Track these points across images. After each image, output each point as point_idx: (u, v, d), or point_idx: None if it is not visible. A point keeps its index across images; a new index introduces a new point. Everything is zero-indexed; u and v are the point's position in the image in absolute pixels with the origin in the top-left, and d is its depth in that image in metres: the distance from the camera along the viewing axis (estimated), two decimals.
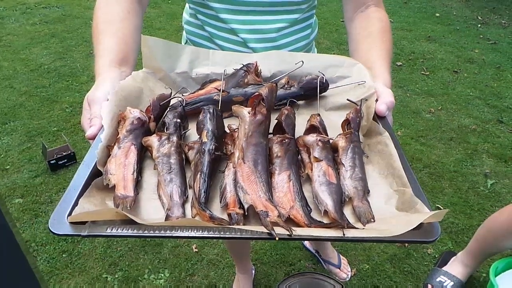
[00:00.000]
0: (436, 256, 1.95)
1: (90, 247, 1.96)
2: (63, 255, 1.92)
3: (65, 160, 2.37)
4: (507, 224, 1.53)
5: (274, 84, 0.69)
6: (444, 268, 1.82)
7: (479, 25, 4.54)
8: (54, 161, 2.34)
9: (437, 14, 4.81)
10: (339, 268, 1.90)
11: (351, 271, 1.91)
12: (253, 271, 1.87)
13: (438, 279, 1.79)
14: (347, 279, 1.88)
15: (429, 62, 3.74)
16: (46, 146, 2.37)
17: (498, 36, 4.29)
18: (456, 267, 1.80)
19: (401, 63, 3.68)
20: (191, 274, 1.87)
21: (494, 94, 3.26)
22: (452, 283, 1.77)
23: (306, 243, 2.01)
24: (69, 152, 2.39)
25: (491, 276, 1.60)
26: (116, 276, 1.85)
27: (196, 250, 1.96)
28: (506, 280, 1.63)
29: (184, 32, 1.12)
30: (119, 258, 1.92)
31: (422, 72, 3.56)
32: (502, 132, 2.83)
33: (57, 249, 1.94)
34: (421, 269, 1.90)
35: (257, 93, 0.64)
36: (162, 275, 1.86)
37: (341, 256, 1.94)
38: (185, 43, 1.13)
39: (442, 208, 2.20)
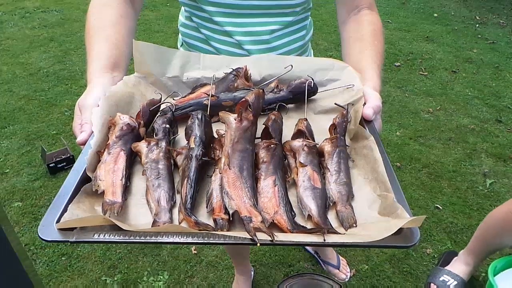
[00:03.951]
0: (435, 256, 1.95)
1: (89, 250, 1.97)
2: (62, 258, 1.93)
3: (64, 164, 2.38)
4: (506, 220, 1.53)
5: (261, 90, 0.70)
6: (447, 268, 1.82)
7: (477, 25, 4.54)
8: (53, 164, 2.35)
9: (435, 15, 4.81)
10: (338, 269, 1.90)
11: (350, 271, 1.91)
12: (252, 273, 1.88)
13: (441, 279, 1.79)
14: (347, 279, 1.88)
15: (428, 62, 3.74)
16: (45, 150, 2.38)
17: (496, 35, 4.29)
18: (458, 266, 1.80)
19: (399, 64, 3.68)
20: (190, 276, 1.87)
21: (493, 93, 3.26)
22: (455, 282, 1.77)
23: None
24: (68, 155, 2.40)
25: (489, 276, 1.61)
26: (115, 278, 1.85)
27: (195, 252, 1.97)
28: (505, 279, 1.64)
29: (180, 35, 1.13)
30: (118, 260, 1.93)
31: (421, 73, 3.57)
32: (500, 131, 2.83)
33: (56, 252, 1.95)
34: (420, 269, 1.90)
35: (243, 100, 0.65)
36: (161, 277, 1.86)
37: (340, 257, 1.95)
38: (181, 46, 1.14)
39: (441, 208, 2.21)
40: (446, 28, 4.45)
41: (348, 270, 1.91)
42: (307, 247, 1.99)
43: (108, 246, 1.99)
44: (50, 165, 2.35)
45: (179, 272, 1.88)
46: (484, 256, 1.75)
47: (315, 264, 1.96)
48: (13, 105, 3.01)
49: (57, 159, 2.37)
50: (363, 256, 1.98)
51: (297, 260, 1.97)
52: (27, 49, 3.80)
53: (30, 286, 0.89)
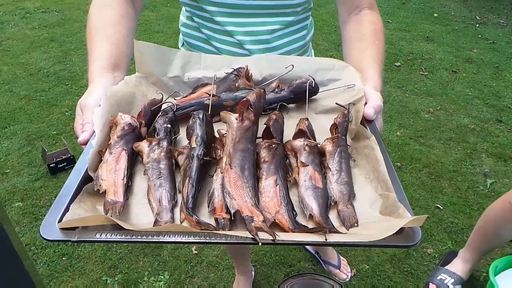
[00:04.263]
0: (436, 256, 1.95)
1: (90, 250, 1.97)
2: (63, 258, 1.93)
3: (65, 164, 2.39)
4: (504, 210, 1.54)
5: (262, 90, 0.70)
6: (446, 267, 1.83)
7: (477, 25, 4.55)
8: (54, 164, 2.35)
9: (435, 15, 4.81)
10: (339, 269, 1.90)
11: (351, 271, 1.91)
12: (253, 273, 1.88)
13: (439, 277, 1.80)
14: (347, 279, 1.88)
15: (428, 62, 3.74)
16: (46, 150, 2.38)
17: (497, 35, 4.29)
18: (457, 265, 1.81)
19: (399, 64, 3.68)
20: (191, 276, 1.87)
21: (493, 93, 3.26)
22: (452, 280, 1.78)
23: None
24: (69, 155, 2.40)
25: (490, 276, 1.61)
26: (116, 278, 1.85)
27: (196, 252, 1.97)
28: (506, 279, 1.64)
29: (180, 35, 1.13)
30: (119, 260, 1.93)
31: (421, 73, 3.57)
32: (501, 131, 2.83)
33: (57, 252, 1.95)
34: (421, 269, 1.90)
35: (244, 99, 0.65)
36: (162, 277, 1.86)
37: (341, 257, 1.95)
38: (182, 45, 1.14)
39: (441, 208, 2.21)
40: (446, 28, 4.45)
41: (349, 270, 1.91)
42: (308, 247, 1.99)
43: (108, 246, 1.99)
44: (51, 165, 2.35)
45: (179, 272, 1.88)
46: (483, 252, 1.76)
47: (315, 264, 1.96)
48: (13, 105, 3.01)
49: (58, 159, 2.38)
50: (364, 256, 1.98)
51: (298, 260, 1.97)
52: (27, 50, 3.80)
53: (32, 286, 0.89)
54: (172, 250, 1.98)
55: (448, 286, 1.77)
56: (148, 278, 1.85)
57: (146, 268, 1.90)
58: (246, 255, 1.80)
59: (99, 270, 1.88)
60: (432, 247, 2.00)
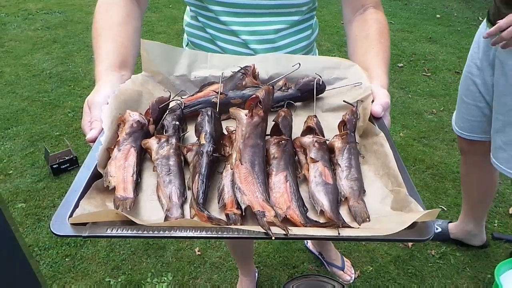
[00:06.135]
0: (440, 257, 1.95)
1: (93, 251, 1.97)
2: (66, 259, 1.93)
3: (68, 165, 2.38)
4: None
5: (271, 87, 0.70)
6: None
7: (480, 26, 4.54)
8: (57, 165, 2.35)
9: (438, 15, 4.81)
10: (343, 270, 1.89)
11: (355, 273, 1.91)
12: (256, 274, 1.87)
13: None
14: (351, 281, 1.88)
15: (431, 63, 3.74)
16: (49, 151, 2.38)
17: None
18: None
19: (402, 65, 3.68)
20: (194, 277, 1.87)
21: None
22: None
23: (309, 245, 2.01)
24: (72, 156, 2.40)
25: (496, 277, 1.60)
26: (119, 280, 1.85)
27: (199, 253, 1.97)
28: (510, 279, 1.64)
29: (185, 35, 1.13)
30: (122, 261, 1.93)
31: (424, 73, 3.57)
32: None
33: (60, 253, 1.95)
34: (425, 270, 1.89)
35: (254, 96, 0.65)
36: (165, 278, 1.86)
37: (345, 258, 1.94)
38: (186, 45, 1.14)
39: (445, 209, 2.20)
40: (449, 29, 4.45)
41: (353, 271, 1.91)
42: (312, 249, 1.99)
43: (111, 247, 1.99)
44: (54, 166, 2.35)
45: (183, 274, 1.88)
46: (475, 211, 1.88)
47: (319, 266, 1.96)
48: (16, 107, 3.01)
49: (61, 160, 2.37)
50: (368, 258, 1.97)
51: (301, 262, 1.96)
52: (30, 51, 3.81)
53: (37, 286, 0.89)
54: (175, 252, 1.97)
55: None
56: (151, 279, 1.85)
57: (149, 269, 1.90)
58: (250, 256, 1.80)
59: (102, 271, 1.88)
60: (436, 249, 1.99)
